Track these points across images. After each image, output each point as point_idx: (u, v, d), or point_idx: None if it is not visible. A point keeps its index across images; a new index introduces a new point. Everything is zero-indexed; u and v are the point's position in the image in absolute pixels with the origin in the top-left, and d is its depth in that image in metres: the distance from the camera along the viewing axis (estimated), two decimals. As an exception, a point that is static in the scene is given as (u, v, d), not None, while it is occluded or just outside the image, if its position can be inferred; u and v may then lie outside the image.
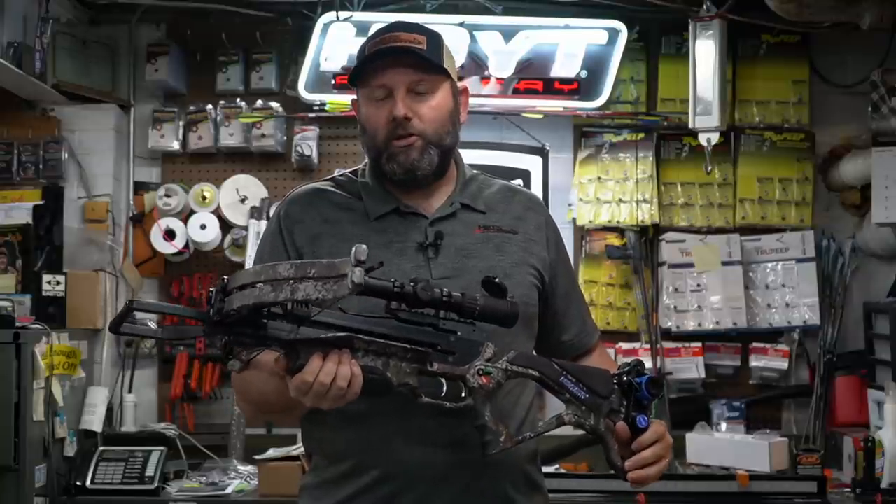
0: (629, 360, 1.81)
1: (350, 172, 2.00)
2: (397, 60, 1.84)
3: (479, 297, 1.64)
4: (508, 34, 4.07)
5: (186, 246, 4.16)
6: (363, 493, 1.81)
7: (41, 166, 4.07)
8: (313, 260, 1.51)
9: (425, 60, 1.84)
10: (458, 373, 1.64)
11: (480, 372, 1.66)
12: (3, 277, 3.84)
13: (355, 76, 1.89)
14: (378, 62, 1.84)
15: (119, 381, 4.15)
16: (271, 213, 3.92)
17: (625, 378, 1.76)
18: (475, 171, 2.03)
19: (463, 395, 1.66)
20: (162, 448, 3.80)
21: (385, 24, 1.94)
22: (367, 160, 1.98)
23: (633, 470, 1.74)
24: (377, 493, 1.80)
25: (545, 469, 1.98)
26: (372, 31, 2.01)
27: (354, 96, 1.95)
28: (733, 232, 4.22)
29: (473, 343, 1.67)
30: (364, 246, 1.47)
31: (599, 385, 1.75)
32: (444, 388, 1.66)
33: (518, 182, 2.91)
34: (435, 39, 1.88)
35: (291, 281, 1.47)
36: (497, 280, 1.68)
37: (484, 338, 1.72)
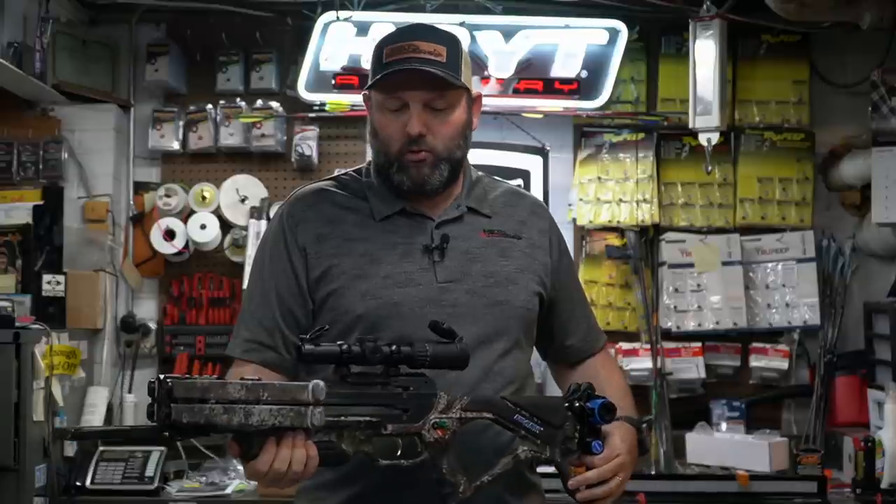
0: (581, 383, 1.81)
1: (354, 171, 1.99)
2: (417, 72, 1.80)
3: (427, 346, 1.63)
4: (508, 34, 4.07)
5: (186, 246, 4.16)
6: (361, 496, 1.80)
7: (41, 166, 4.07)
8: (264, 382, 1.49)
9: (446, 75, 1.80)
10: (413, 430, 1.63)
11: (435, 425, 1.64)
12: (3, 277, 3.83)
13: (376, 84, 1.85)
14: (396, 73, 1.80)
15: (119, 381, 4.15)
16: (271, 214, 3.96)
17: (576, 404, 1.77)
18: (480, 174, 2.02)
19: (419, 449, 1.65)
20: (162, 448, 3.80)
21: (405, 27, 1.90)
22: (369, 160, 1.96)
23: (575, 487, 1.77)
24: (375, 497, 1.79)
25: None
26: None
27: (366, 91, 1.91)
28: (733, 232, 4.22)
29: (426, 396, 1.65)
30: (322, 384, 1.45)
31: (553, 416, 1.75)
32: (400, 448, 1.64)
33: (518, 182, 2.92)
34: (455, 49, 1.85)
35: (244, 404, 1.45)
36: (445, 325, 1.66)
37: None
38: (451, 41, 1.86)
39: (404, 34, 1.86)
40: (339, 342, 1.56)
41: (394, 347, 1.60)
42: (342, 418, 1.55)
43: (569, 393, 1.80)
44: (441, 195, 1.91)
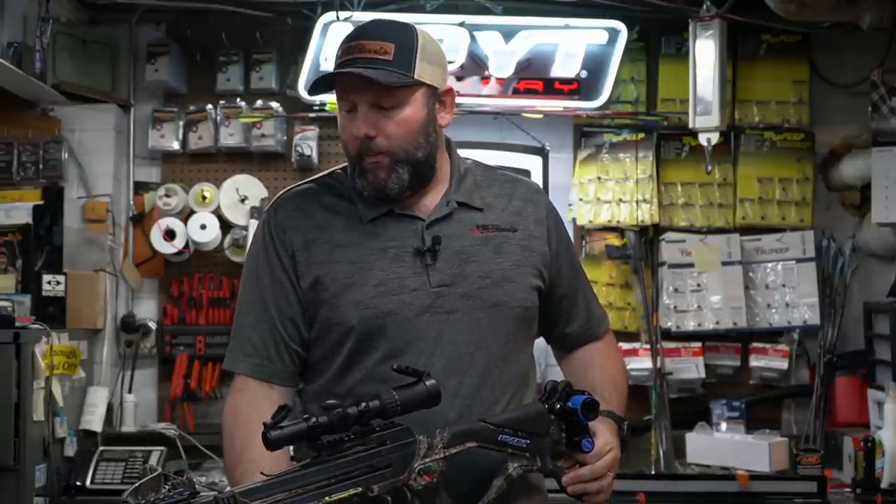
0: (559, 381, 1.79)
1: (340, 169, 1.95)
2: (359, 74, 1.76)
3: (396, 394, 1.59)
4: (508, 34, 4.07)
5: (186, 246, 4.16)
6: None
7: (41, 166, 4.07)
8: None
9: (388, 75, 1.75)
10: (400, 483, 1.60)
11: (420, 472, 1.62)
12: (3, 277, 3.84)
13: (319, 87, 1.84)
14: (341, 75, 1.78)
15: (119, 381, 4.15)
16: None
17: (558, 406, 1.76)
18: (469, 163, 1.97)
19: (409, 499, 1.62)
20: (162, 448, 3.81)
21: (359, 26, 1.87)
22: None
23: (572, 485, 1.76)
24: None
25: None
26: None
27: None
28: (733, 232, 4.22)
29: (405, 445, 1.62)
30: None
31: (537, 425, 1.74)
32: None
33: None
34: (405, 44, 1.79)
35: None
36: (408, 367, 1.63)
37: (475, 365, 1.75)
38: (402, 36, 1.80)
39: (354, 34, 1.83)
40: (305, 416, 1.52)
41: (362, 406, 1.55)
42: (327, 499, 1.52)
43: (546, 394, 1.78)
44: (425, 192, 1.87)
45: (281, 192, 1.95)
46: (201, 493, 1.44)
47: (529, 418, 1.75)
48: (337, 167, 1.97)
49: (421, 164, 1.83)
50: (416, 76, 1.79)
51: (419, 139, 1.82)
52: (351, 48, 1.80)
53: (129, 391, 4.15)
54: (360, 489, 1.55)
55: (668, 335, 4.17)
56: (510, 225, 1.90)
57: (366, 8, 3.99)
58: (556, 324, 2.02)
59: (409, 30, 1.83)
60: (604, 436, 1.79)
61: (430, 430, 1.64)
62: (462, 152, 2.00)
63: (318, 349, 1.86)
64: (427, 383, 1.62)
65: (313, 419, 1.51)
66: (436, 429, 1.65)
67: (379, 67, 1.76)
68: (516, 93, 4.10)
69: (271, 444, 1.49)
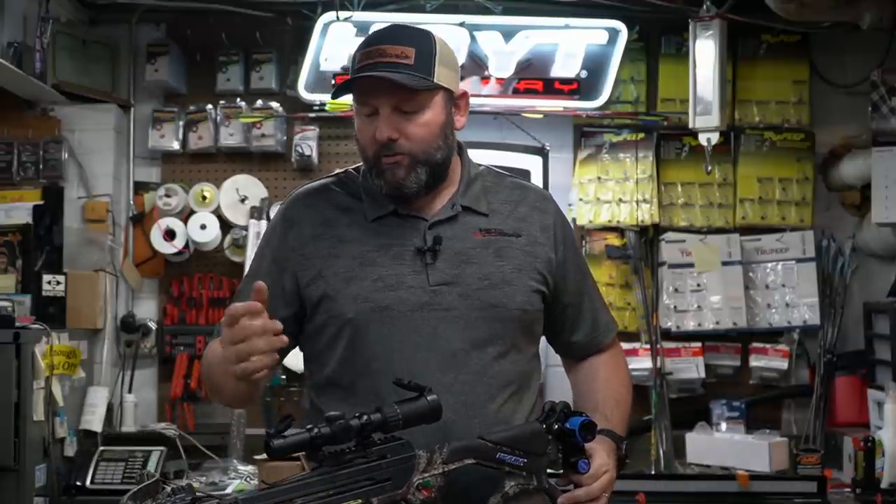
0: (556, 401, 1.81)
1: (354, 169, 1.98)
2: (380, 77, 1.78)
3: (398, 409, 1.60)
4: (508, 34, 4.07)
5: (186, 246, 4.16)
6: None
7: (41, 166, 4.07)
8: None
9: (411, 79, 1.78)
10: (398, 497, 1.62)
11: (419, 486, 1.63)
12: (3, 277, 3.83)
13: (341, 92, 1.87)
14: (363, 78, 1.80)
15: (119, 381, 4.15)
16: (272, 214, 3.97)
17: (555, 426, 1.77)
18: (481, 168, 1.99)
19: None
20: (162, 448, 3.80)
21: (377, 31, 1.89)
22: None
23: None
24: None
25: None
26: (373, 30, 1.95)
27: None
28: (733, 232, 4.22)
29: (405, 459, 1.63)
30: None
31: (534, 444, 1.75)
32: None
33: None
34: (425, 49, 1.82)
35: None
36: (408, 382, 1.64)
37: (479, 369, 1.77)
38: (421, 41, 1.83)
39: (373, 39, 1.85)
40: (308, 426, 1.54)
41: (364, 419, 1.57)
42: None
43: (544, 415, 1.79)
44: (433, 195, 1.89)
45: (296, 189, 1.99)
46: (202, 499, 1.45)
47: (526, 437, 1.76)
48: (351, 166, 2.00)
49: (438, 166, 1.87)
50: (435, 80, 1.82)
51: (439, 141, 1.85)
52: (371, 52, 1.81)
53: (129, 391, 4.14)
54: (359, 501, 1.57)
55: (668, 335, 4.17)
56: (514, 230, 1.92)
57: (366, 8, 3.99)
58: (562, 332, 2.03)
59: (427, 35, 1.86)
60: (600, 457, 1.81)
61: (426, 430, 1.65)
62: (464, 152, 2.00)
63: (317, 342, 1.89)
64: (429, 398, 1.63)
65: (315, 429, 1.53)
66: (431, 427, 1.66)
67: (402, 71, 1.78)
68: (516, 93, 4.10)
69: (273, 452, 1.51)
